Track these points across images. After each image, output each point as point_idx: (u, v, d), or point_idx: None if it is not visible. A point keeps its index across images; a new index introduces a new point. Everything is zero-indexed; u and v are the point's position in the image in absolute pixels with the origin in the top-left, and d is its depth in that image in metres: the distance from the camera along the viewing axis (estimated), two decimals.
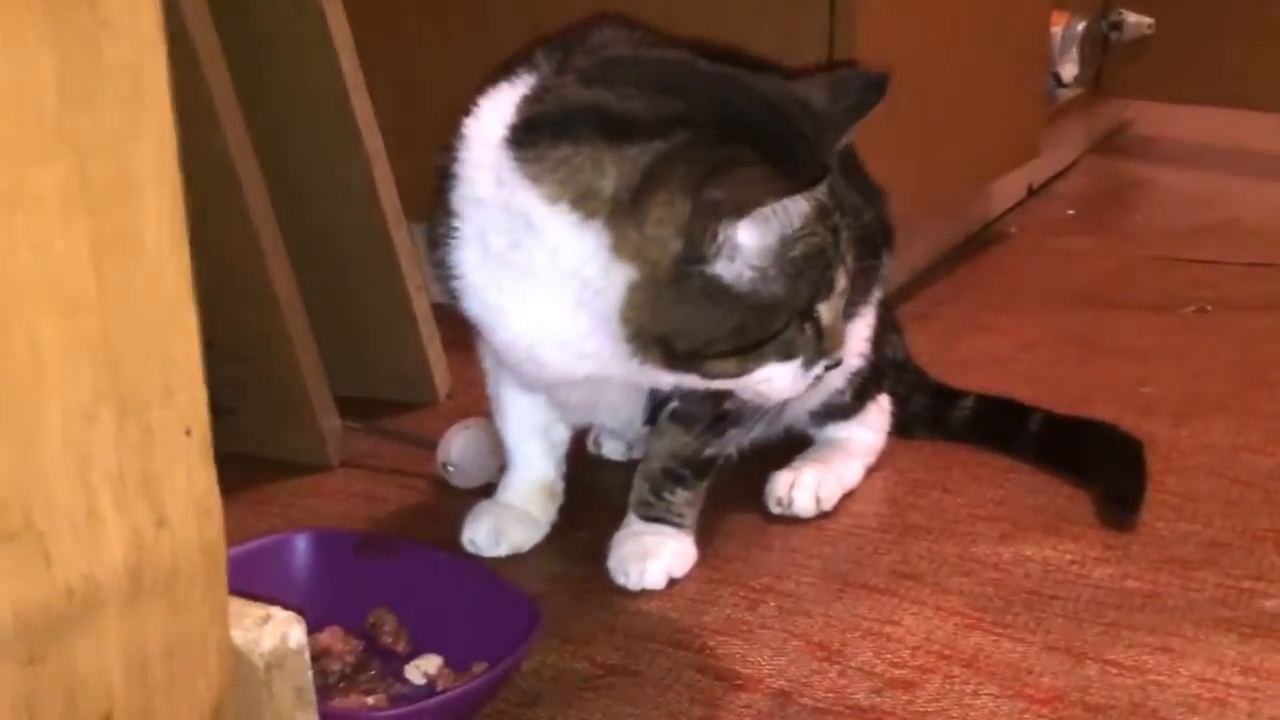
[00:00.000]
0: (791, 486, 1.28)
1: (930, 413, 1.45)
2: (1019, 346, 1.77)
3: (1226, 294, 1.98)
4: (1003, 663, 1.05)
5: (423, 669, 1.04)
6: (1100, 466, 1.32)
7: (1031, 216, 2.45)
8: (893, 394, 1.42)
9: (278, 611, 0.76)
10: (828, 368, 1.04)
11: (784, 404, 1.12)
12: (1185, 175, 2.92)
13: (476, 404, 1.40)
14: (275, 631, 0.75)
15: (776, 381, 1.01)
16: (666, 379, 1.03)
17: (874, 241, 1.29)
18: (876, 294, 1.32)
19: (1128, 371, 1.66)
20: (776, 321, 0.98)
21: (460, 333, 1.23)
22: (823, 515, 1.29)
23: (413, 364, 1.61)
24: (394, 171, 1.55)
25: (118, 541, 0.65)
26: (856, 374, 1.31)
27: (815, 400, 1.30)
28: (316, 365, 1.44)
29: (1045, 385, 1.61)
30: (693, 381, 1.03)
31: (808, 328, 1.01)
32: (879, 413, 1.38)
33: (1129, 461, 1.30)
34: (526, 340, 1.05)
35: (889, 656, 1.06)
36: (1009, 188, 2.41)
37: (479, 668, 1.01)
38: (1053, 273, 2.13)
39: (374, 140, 1.53)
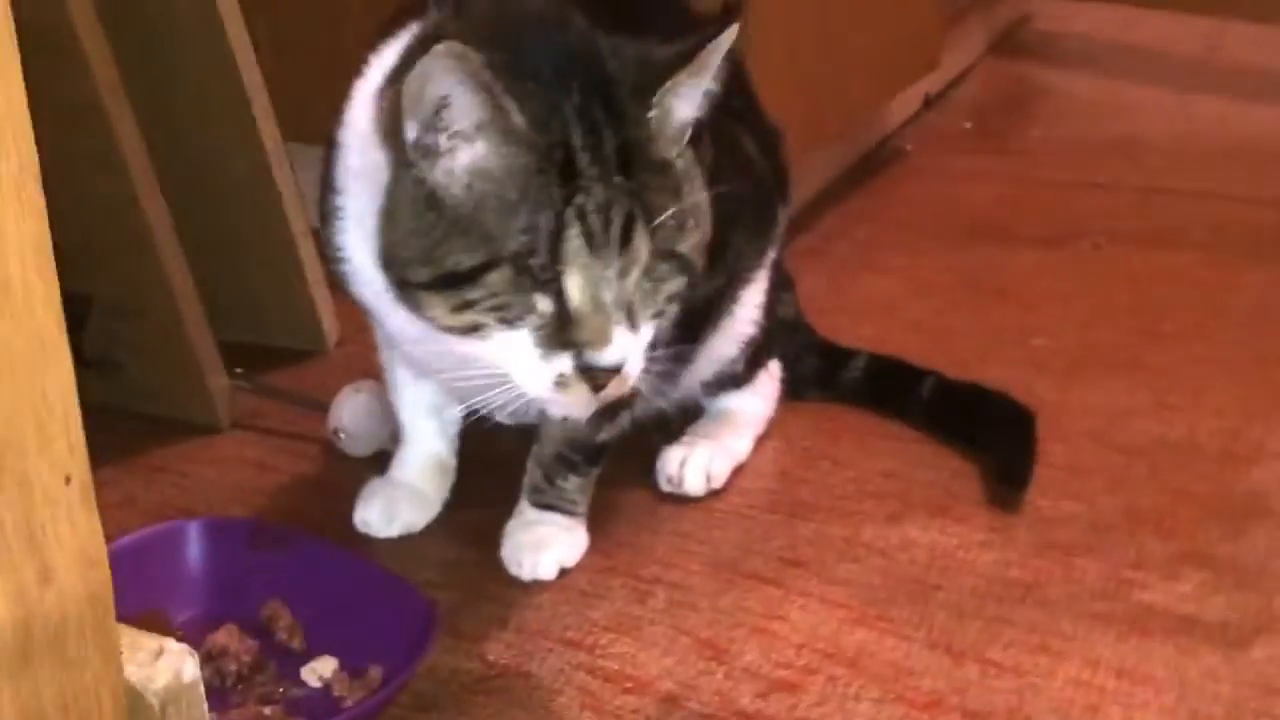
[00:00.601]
0: (682, 465, 1.27)
1: (821, 374, 1.45)
2: (912, 290, 1.78)
3: (1122, 225, 1.99)
4: (885, 662, 1.07)
5: (318, 672, 1.04)
6: (990, 439, 1.33)
7: (928, 131, 2.42)
8: (783, 355, 1.41)
9: (170, 644, 0.75)
10: (594, 382, 0.91)
11: (675, 379, 1.12)
12: (1085, 80, 2.91)
13: (367, 353, 1.36)
14: (169, 667, 0.75)
15: (516, 365, 0.91)
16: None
17: (765, 195, 1.27)
18: (770, 254, 1.30)
19: (1019, 321, 1.67)
20: (472, 254, 0.88)
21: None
22: (713, 493, 1.28)
23: (300, 311, 1.57)
24: (274, 89, 1.47)
25: (2, 601, 0.63)
26: (749, 342, 1.30)
27: (708, 370, 1.29)
28: (201, 322, 1.40)
29: (937, 337, 1.62)
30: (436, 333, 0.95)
31: (543, 299, 0.89)
32: (770, 380, 1.37)
33: (1019, 436, 1.31)
34: (415, 328, 1.01)
35: (775, 656, 1.08)
36: (905, 99, 2.38)
37: (375, 672, 1.01)
38: (948, 201, 2.12)
39: (252, 74, 1.46)
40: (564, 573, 1.17)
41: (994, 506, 1.27)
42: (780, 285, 1.38)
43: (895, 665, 1.07)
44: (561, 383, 0.91)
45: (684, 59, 0.92)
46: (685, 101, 0.94)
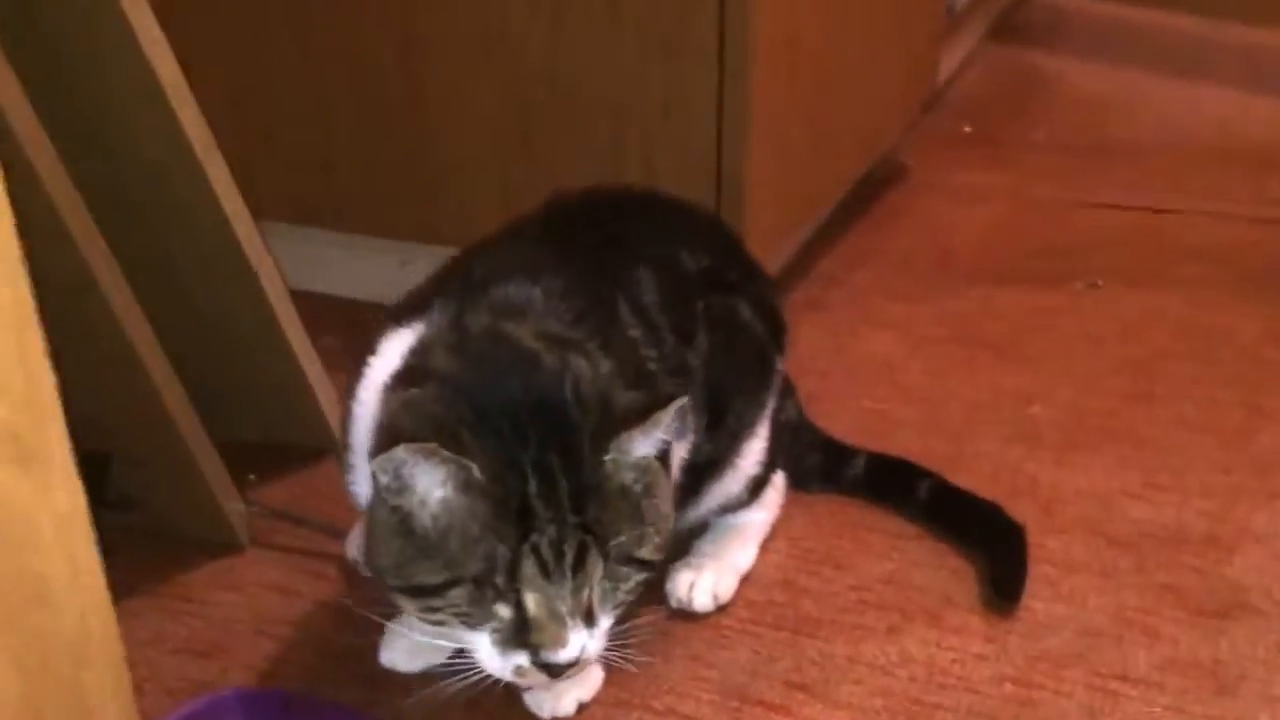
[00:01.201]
0: (690, 588, 1.33)
1: (823, 469, 1.51)
2: (909, 348, 1.82)
3: (1120, 257, 2.03)
4: None
5: None
6: (984, 546, 1.39)
7: (928, 136, 2.45)
8: (787, 453, 1.46)
9: None
10: (553, 669, 0.99)
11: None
12: (1089, 67, 2.92)
13: None
14: None
15: (478, 653, 1.00)
16: None
17: (762, 355, 1.33)
18: (770, 405, 1.35)
19: (1015, 384, 1.72)
20: (436, 574, 0.97)
21: None
22: (722, 608, 1.35)
23: (305, 412, 1.62)
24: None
25: None
26: (753, 479, 1.36)
27: (712, 504, 1.35)
28: (212, 456, 1.45)
29: (934, 406, 1.68)
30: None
31: (502, 607, 0.97)
32: (775, 491, 1.43)
33: (1010, 547, 1.37)
34: None
35: None
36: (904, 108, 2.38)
37: None
38: (945, 230, 2.16)
39: (250, 237, 1.48)
40: (582, 707, 1.23)
41: (989, 611, 1.33)
42: (783, 393, 1.43)
43: None
44: (520, 673, 0.99)
45: (638, 416, 0.99)
46: (642, 444, 1.01)
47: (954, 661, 1.28)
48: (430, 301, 1.13)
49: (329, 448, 1.61)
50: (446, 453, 0.93)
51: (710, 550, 1.38)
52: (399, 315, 1.14)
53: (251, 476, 1.59)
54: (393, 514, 0.97)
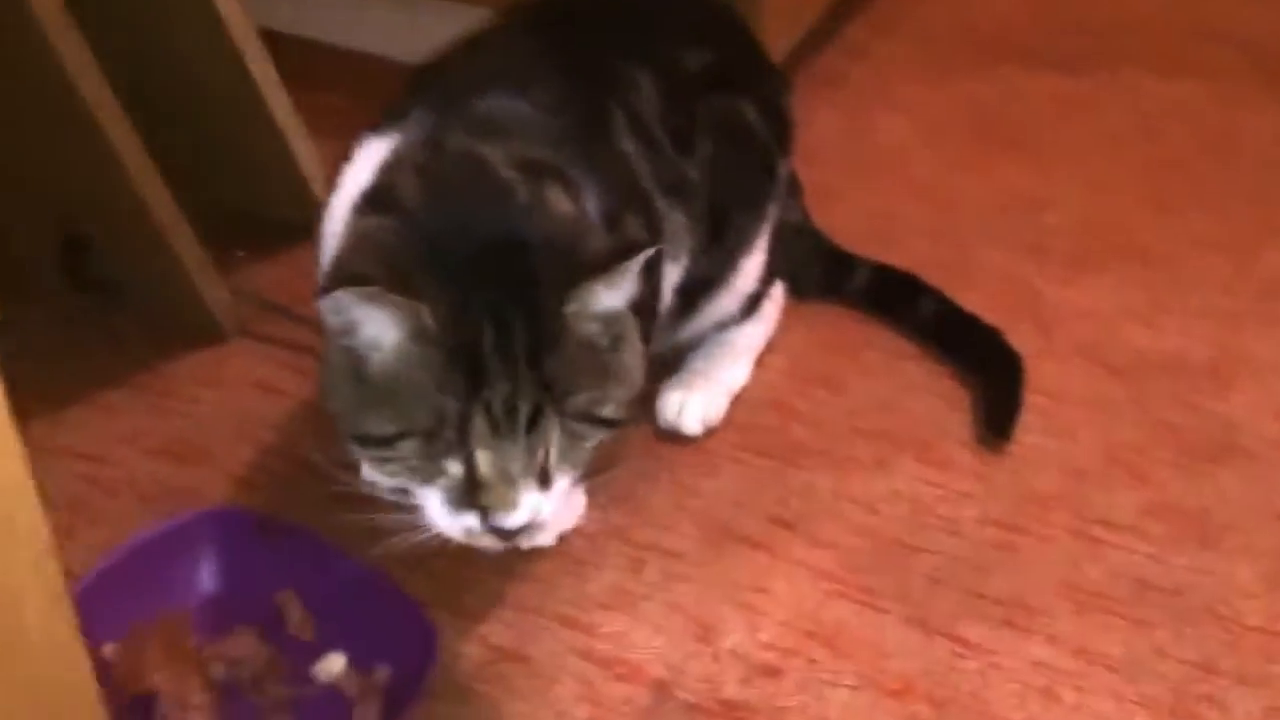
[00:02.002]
0: (680, 411, 1.31)
1: (826, 280, 1.47)
2: (924, 136, 1.75)
3: (1147, 40, 1.92)
4: (861, 642, 1.15)
5: (328, 670, 1.11)
6: (981, 374, 1.36)
7: None
8: (788, 260, 1.42)
9: None
10: (503, 533, 0.93)
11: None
12: None
13: None
14: None
15: (428, 510, 0.94)
16: None
17: (766, 161, 1.26)
18: (772, 217, 1.30)
19: (1028, 187, 1.66)
20: (386, 425, 0.90)
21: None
22: (709, 431, 1.33)
23: (293, 186, 1.56)
24: None
25: None
26: (749, 297, 1.31)
27: (705, 323, 1.31)
28: (189, 239, 1.40)
29: (944, 206, 1.63)
30: None
31: (453, 463, 0.91)
32: (772, 304, 1.39)
33: (1006, 379, 1.34)
34: None
35: (759, 636, 1.16)
36: None
37: (382, 672, 1.10)
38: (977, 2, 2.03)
39: None
40: (562, 538, 1.23)
41: (980, 446, 1.32)
42: (788, 191, 1.38)
43: (871, 645, 1.15)
44: (470, 535, 0.94)
45: (603, 265, 0.91)
46: (606, 296, 0.93)
47: (939, 499, 1.27)
48: (409, 109, 1.04)
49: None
50: (394, 296, 0.86)
51: (702, 368, 1.35)
52: (376, 123, 1.06)
53: (240, 253, 1.55)
54: (344, 356, 0.91)
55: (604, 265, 0.90)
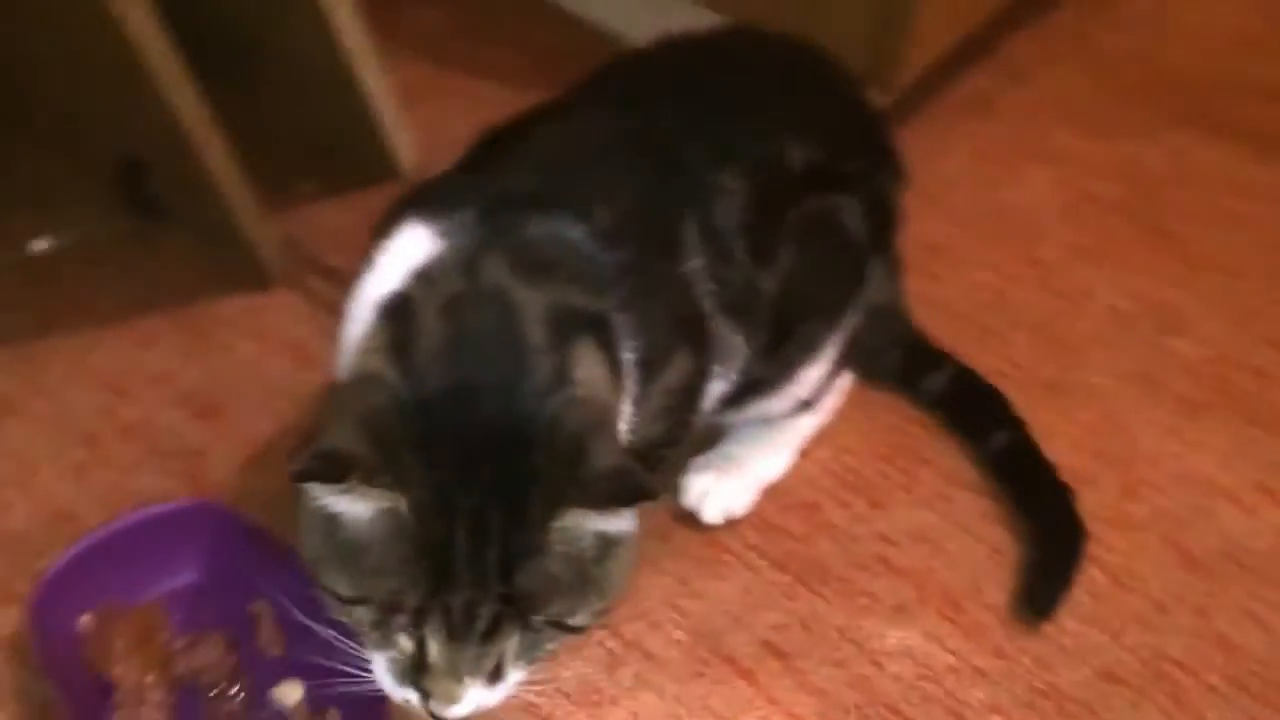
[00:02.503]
0: (703, 497, 1.23)
1: (902, 371, 1.35)
2: (1063, 203, 1.59)
3: None
4: None
5: (284, 698, 1.08)
6: (1037, 535, 1.24)
7: None
8: (867, 341, 1.30)
9: None
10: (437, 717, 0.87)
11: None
12: None
13: None
14: None
15: (375, 670, 0.89)
16: None
17: (853, 269, 1.16)
18: (845, 327, 1.18)
19: (1166, 298, 1.50)
20: (345, 585, 0.85)
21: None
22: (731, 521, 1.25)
23: (365, 134, 1.48)
24: None
25: None
26: (802, 401, 1.21)
27: (753, 415, 1.22)
28: (243, 187, 1.34)
29: (1059, 300, 1.48)
30: None
31: (405, 640, 0.85)
32: (832, 395, 1.28)
33: (1064, 550, 1.22)
34: None
35: None
36: None
37: (334, 717, 1.06)
38: (1170, 36, 1.82)
39: None
40: None
41: (1012, 617, 1.21)
42: (884, 272, 1.26)
43: None
44: (411, 706, 0.88)
45: (595, 502, 0.82)
46: (602, 523, 0.84)
47: (950, 670, 1.17)
48: (460, 201, 0.95)
49: (395, 178, 1.50)
50: (370, 488, 0.80)
51: (737, 454, 1.26)
52: (425, 202, 0.97)
53: (307, 187, 1.49)
54: (318, 510, 0.85)
55: (600, 502, 0.82)
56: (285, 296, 1.39)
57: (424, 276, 0.90)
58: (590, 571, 0.85)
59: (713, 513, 1.23)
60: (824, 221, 1.12)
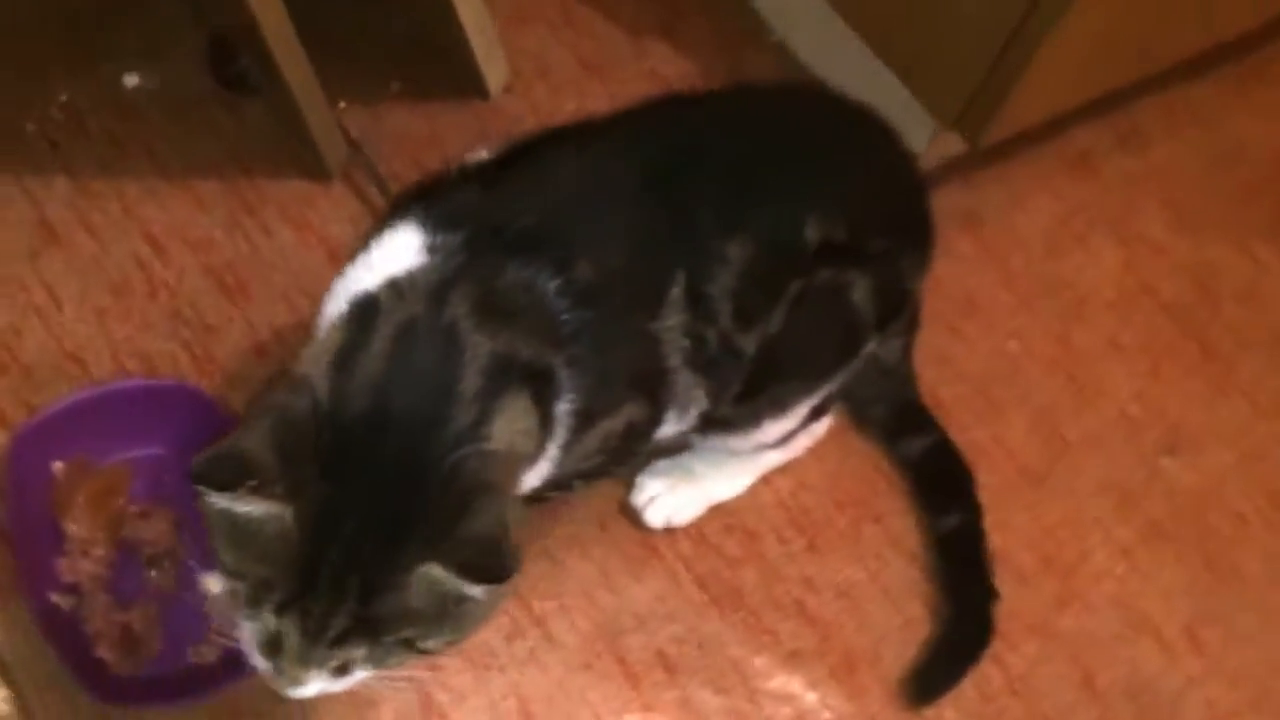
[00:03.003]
0: (650, 502, 1.28)
1: (884, 429, 1.38)
2: (1122, 293, 1.55)
3: None
4: None
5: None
6: (951, 622, 1.28)
7: None
8: (858, 391, 1.33)
9: None
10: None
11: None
12: None
13: (541, 104, 1.44)
14: None
15: (243, 631, 0.93)
16: None
17: (848, 342, 1.17)
18: (824, 392, 1.21)
19: (1183, 419, 1.49)
20: (224, 555, 0.90)
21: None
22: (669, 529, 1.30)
23: (458, 47, 1.50)
24: None
25: None
26: (765, 445, 1.25)
27: (716, 445, 1.25)
28: (308, 78, 1.37)
29: (1066, 404, 1.48)
30: None
31: (269, 618, 0.89)
32: (807, 436, 1.31)
33: (967, 648, 1.26)
34: None
35: None
36: None
37: None
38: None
39: None
40: None
41: (899, 694, 1.26)
42: (899, 328, 1.29)
43: None
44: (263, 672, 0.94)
45: (455, 565, 0.85)
46: (464, 586, 0.88)
47: None
48: (459, 219, 0.98)
49: (482, 97, 1.53)
50: (260, 501, 0.86)
51: (697, 469, 1.30)
52: (429, 206, 1.00)
53: (395, 85, 1.53)
54: None
55: (458, 569, 0.86)
56: (339, 192, 1.45)
57: (397, 286, 0.95)
58: (449, 610, 0.90)
59: (656, 518, 1.29)
60: (829, 295, 1.12)
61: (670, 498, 1.29)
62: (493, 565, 0.86)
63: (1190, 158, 1.69)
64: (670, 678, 1.24)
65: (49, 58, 1.45)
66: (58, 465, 1.19)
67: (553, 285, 0.97)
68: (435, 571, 0.87)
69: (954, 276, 1.50)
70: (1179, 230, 1.62)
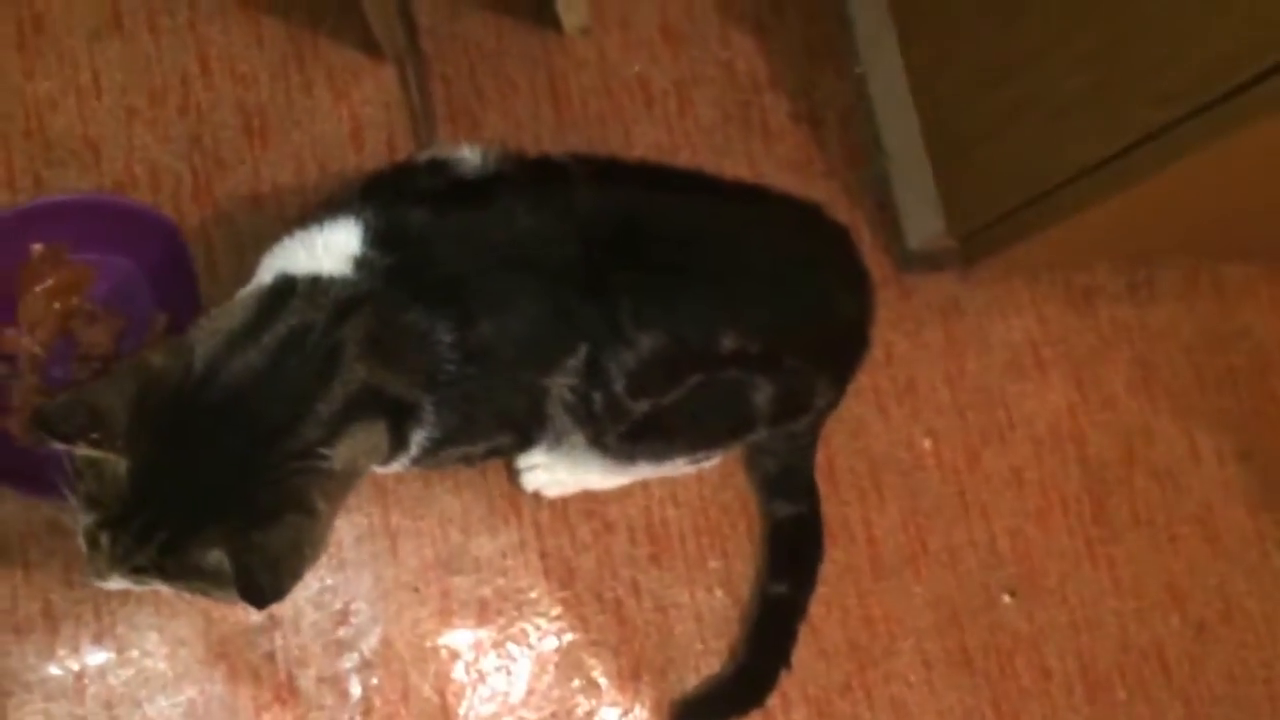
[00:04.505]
0: (530, 469, 1.39)
1: (764, 480, 1.47)
2: (1052, 436, 1.61)
3: None
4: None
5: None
6: (742, 670, 1.41)
7: None
8: (758, 440, 1.43)
9: None
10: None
11: None
12: None
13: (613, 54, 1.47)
14: None
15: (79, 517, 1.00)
16: None
17: (733, 430, 1.26)
18: (701, 461, 1.32)
19: (1033, 570, 1.57)
20: (80, 460, 0.98)
21: None
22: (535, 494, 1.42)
23: None
24: None
25: None
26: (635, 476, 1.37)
27: None
28: None
29: (949, 517, 1.56)
30: None
31: (93, 514, 0.98)
32: (690, 466, 1.40)
33: (746, 695, 1.39)
34: None
35: (371, 644, 1.35)
36: None
37: None
38: None
39: None
40: None
41: (666, 712, 1.41)
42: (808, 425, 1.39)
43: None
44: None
45: (239, 567, 0.94)
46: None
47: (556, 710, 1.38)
48: (397, 238, 1.05)
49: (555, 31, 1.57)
50: (94, 452, 0.95)
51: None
52: (378, 211, 1.07)
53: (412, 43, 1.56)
54: None
55: (238, 567, 0.94)
56: (386, 76, 1.51)
57: (316, 285, 1.03)
58: (225, 584, 0.97)
59: (530, 484, 1.40)
60: (730, 388, 1.20)
61: (548, 473, 1.40)
62: (261, 584, 0.94)
63: (1188, 327, 1.69)
64: (479, 624, 1.38)
65: None
66: (37, 247, 1.32)
67: (447, 339, 1.04)
68: (224, 558, 0.97)
69: (907, 358, 1.56)
70: (1137, 392, 1.66)
